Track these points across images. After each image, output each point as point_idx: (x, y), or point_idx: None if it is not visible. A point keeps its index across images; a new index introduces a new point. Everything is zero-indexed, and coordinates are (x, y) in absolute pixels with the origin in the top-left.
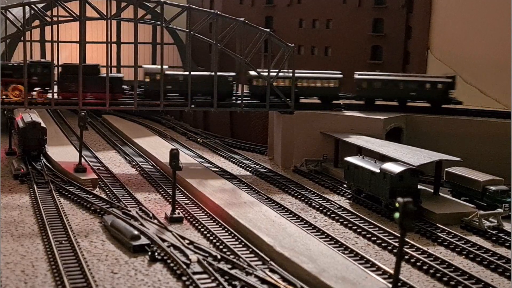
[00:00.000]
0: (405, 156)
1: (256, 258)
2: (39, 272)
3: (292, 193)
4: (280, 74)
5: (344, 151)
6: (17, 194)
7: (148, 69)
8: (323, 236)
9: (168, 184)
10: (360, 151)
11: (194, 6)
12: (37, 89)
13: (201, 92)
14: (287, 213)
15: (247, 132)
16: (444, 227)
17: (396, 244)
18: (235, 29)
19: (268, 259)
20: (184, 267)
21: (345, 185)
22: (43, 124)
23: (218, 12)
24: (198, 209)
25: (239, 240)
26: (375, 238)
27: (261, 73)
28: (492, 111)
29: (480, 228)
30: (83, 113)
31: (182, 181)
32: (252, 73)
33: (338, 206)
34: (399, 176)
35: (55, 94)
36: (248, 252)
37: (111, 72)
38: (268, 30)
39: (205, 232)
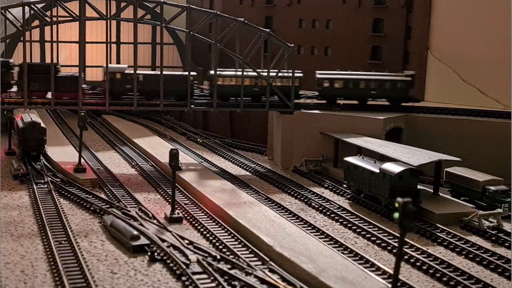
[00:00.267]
0: (405, 156)
1: (255, 258)
2: (38, 272)
3: (292, 193)
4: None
5: (343, 151)
6: (16, 194)
7: (109, 69)
8: (323, 236)
9: (167, 184)
10: (359, 151)
11: (193, 6)
12: None
13: (166, 91)
14: (287, 213)
15: (247, 132)
16: (444, 227)
17: (396, 244)
18: (234, 29)
19: (268, 259)
20: (184, 267)
21: (344, 185)
22: (42, 124)
23: (218, 12)
24: (198, 209)
25: (239, 240)
26: (375, 238)
27: (261, 73)
28: (492, 111)
29: (480, 228)
30: (82, 113)
31: (182, 181)
32: (212, 72)
33: (337, 206)
34: (398, 176)
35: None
36: (247, 252)
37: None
38: (267, 30)
39: (204, 232)
